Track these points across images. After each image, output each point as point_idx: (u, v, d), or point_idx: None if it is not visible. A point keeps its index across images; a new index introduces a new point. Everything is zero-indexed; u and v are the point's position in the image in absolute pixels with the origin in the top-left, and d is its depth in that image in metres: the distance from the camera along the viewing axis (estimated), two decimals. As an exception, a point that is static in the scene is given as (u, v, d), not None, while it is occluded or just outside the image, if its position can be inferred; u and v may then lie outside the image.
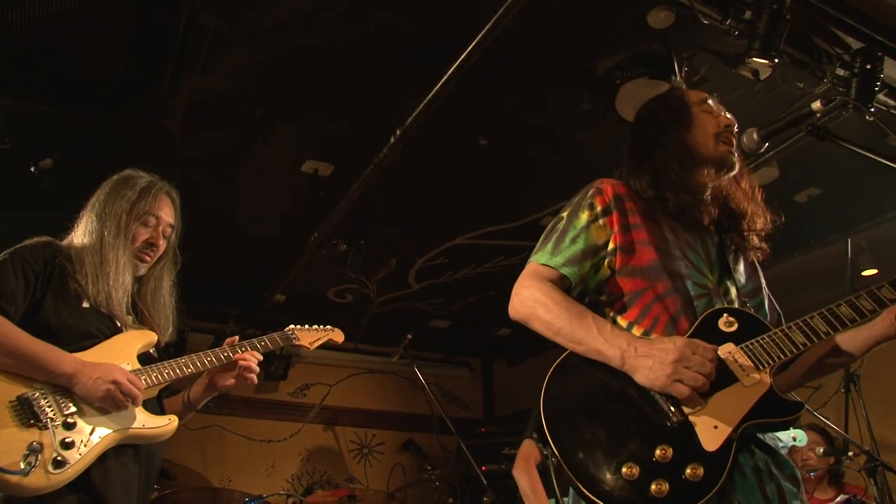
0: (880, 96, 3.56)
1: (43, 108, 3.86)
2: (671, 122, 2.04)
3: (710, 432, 1.57)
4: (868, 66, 3.26)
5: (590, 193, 1.96)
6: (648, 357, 1.64)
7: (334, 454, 7.40)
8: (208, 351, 2.50)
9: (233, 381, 2.54)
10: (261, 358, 2.59)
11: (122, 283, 2.38)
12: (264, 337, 2.67)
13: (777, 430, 1.68)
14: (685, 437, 1.57)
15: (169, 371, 2.35)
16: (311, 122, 4.22)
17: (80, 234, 2.46)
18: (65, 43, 3.45)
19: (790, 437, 3.65)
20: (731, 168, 1.99)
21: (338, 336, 3.05)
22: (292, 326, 2.89)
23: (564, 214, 1.96)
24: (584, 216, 1.91)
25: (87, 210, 2.53)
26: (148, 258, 2.51)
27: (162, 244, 2.55)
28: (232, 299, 6.54)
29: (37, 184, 4.16)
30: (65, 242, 2.46)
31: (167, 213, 2.57)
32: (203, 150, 4.37)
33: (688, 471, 1.51)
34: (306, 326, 2.96)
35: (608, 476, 1.51)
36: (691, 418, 1.59)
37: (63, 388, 2.13)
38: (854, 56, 3.33)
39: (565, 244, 1.88)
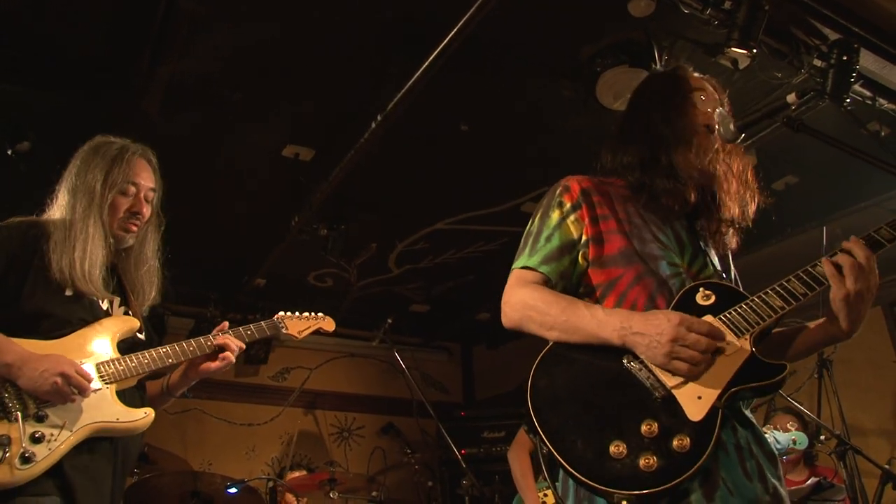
0: (856, 87, 3.61)
1: (20, 90, 3.80)
2: (674, 106, 2.02)
3: (694, 403, 1.59)
4: (844, 58, 3.30)
5: (558, 192, 1.98)
6: (644, 335, 1.66)
7: (315, 438, 7.43)
8: (191, 340, 2.37)
9: (210, 365, 2.40)
10: (241, 345, 2.47)
11: (90, 257, 2.23)
12: (251, 325, 2.55)
13: (765, 394, 1.70)
14: (670, 410, 1.59)
15: (148, 361, 2.25)
16: (291, 107, 4.20)
17: (55, 210, 2.36)
18: (43, 25, 3.41)
19: (789, 440, 3.67)
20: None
21: (328, 325, 2.92)
22: (281, 314, 2.76)
23: (536, 217, 1.98)
24: (555, 215, 1.93)
25: (62, 184, 2.40)
26: (134, 227, 2.39)
27: (146, 210, 2.42)
28: (212, 283, 6.51)
29: (14, 167, 4.12)
30: (43, 218, 2.34)
31: (146, 178, 2.42)
32: (182, 134, 4.34)
33: (674, 442, 1.53)
34: (296, 314, 2.82)
35: (597, 456, 1.53)
36: (674, 391, 1.61)
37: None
38: (831, 47, 3.37)
39: (540, 244, 1.90)
